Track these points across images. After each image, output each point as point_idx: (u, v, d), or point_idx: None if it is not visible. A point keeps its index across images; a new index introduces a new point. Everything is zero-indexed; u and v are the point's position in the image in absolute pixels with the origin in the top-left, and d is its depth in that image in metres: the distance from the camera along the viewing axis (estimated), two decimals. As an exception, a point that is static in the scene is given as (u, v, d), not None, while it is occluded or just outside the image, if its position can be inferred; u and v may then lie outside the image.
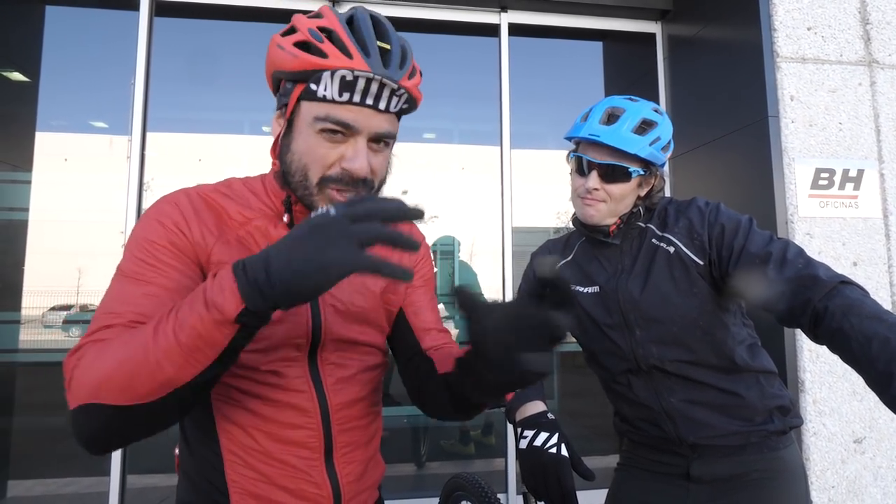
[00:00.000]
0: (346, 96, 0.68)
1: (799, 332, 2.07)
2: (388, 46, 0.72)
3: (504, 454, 2.77)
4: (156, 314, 0.60)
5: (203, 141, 3.17)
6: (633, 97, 1.14)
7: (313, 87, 0.69)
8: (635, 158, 1.09)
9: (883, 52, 2.32)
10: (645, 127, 1.09)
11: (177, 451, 0.87)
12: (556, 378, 3.41)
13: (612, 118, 1.10)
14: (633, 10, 2.93)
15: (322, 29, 0.70)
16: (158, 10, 2.76)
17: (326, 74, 0.68)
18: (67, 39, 2.97)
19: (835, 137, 2.24)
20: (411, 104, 0.77)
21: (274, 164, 0.78)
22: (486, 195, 2.94)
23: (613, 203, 1.12)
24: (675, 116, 2.87)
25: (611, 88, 3.33)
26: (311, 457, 0.76)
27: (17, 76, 2.99)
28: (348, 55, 0.68)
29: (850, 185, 2.22)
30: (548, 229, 3.21)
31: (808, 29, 2.27)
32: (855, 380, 2.10)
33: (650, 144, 1.09)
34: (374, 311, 0.84)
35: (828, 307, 0.87)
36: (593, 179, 1.10)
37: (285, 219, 0.79)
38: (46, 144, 2.90)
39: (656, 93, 2.97)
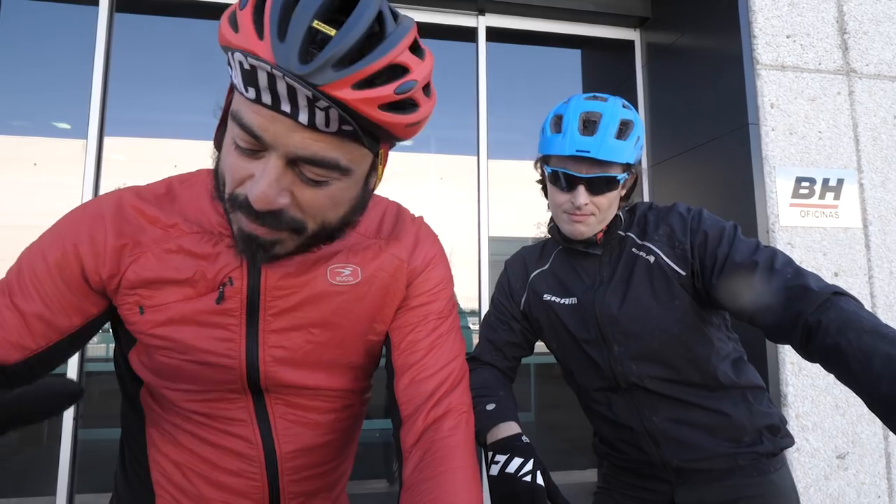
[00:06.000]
0: (251, 92, 0.49)
1: (781, 344, 2.02)
2: (330, 31, 0.50)
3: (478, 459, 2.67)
4: None
5: (176, 146, 3.03)
6: (598, 95, 1.05)
7: (229, 69, 0.52)
8: (621, 165, 1.01)
9: (860, 61, 2.31)
10: (624, 129, 1.00)
11: None
12: (533, 390, 3.33)
13: (588, 124, 1.00)
14: (611, 17, 2.91)
15: None
16: (119, 5, 2.64)
17: (230, 56, 0.50)
18: (27, 35, 2.82)
19: (815, 146, 2.21)
20: (367, 126, 0.52)
21: (217, 163, 0.62)
22: (462, 204, 2.87)
23: (602, 214, 1.04)
24: (654, 124, 2.84)
25: (590, 96, 3.30)
26: None
27: (-29, 73, 2.82)
28: (259, 33, 0.49)
29: (830, 195, 2.19)
30: (525, 238, 3.15)
31: (788, 37, 2.25)
32: (838, 394, 2.05)
33: (634, 146, 1.01)
34: (342, 348, 0.69)
35: (821, 321, 0.79)
36: (582, 195, 1.00)
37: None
38: (13, 147, 2.75)
39: (635, 100, 2.94)
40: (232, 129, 0.53)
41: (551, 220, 1.16)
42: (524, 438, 0.96)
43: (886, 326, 0.76)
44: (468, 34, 2.90)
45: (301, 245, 0.60)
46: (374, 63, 0.50)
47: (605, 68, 3.24)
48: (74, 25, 2.77)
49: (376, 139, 0.56)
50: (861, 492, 2.04)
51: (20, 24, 2.80)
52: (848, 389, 2.09)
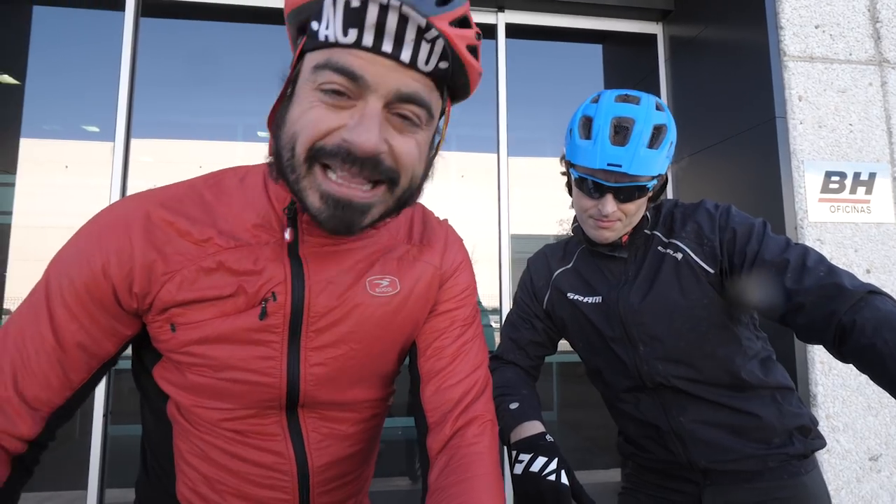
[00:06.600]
0: (352, 34, 0.49)
1: (813, 344, 1.97)
2: None
3: (501, 467, 2.66)
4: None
5: (201, 147, 3.09)
6: (629, 94, 1.00)
7: (314, 25, 0.52)
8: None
9: (893, 51, 2.23)
10: (657, 134, 0.96)
11: None
12: (555, 388, 3.30)
13: (620, 130, 0.94)
14: (633, 11, 2.86)
15: None
16: (145, 10, 2.69)
17: (328, 3, 0.50)
18: (56, 41, 2.90)
19: (845, 139, 2.15)
20: (455, 67, 0.55)
21: (270, 144, 0.59)
22: (483, 202, 2.87)
23: (629, 219, 1.01)
24: (678, 119, 2.77)
25: (611, 91, 3.26)
26: None
27: (5, 79, 2.91)
28: None
29: (861, 189, 2.12)
30: (545, 236, 3.13)
31: (816, 27, 2.19)
32: (870, 393, 2.00)
33: (666, 154, 0.97)
34: (380, 359, 0.68)
35: (856, 321, 0.77)
36: (610, 204, 0.97)
37: (287, 235, 0.59)
38: (36, 148, 2.83)
39: (658, 95, 2.87)
40: (315, 82, 0.52)
41: (575, 219, 1.14)
42: (548, 437, 0.96)
43: None
44: (487, 31, 2.88)
45: (389, 210, 0.58)
46: (461, 8, 0.54)
47: (627, 63, 3.19)
48: (101, 31, 2.84)
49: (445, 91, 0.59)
50: (895, 494, 1.98)
51: (50, 31, 2.88)
52: (881, 389, 2.02)
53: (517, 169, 2.84)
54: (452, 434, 0.66)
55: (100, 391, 2.38)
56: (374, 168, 0.53)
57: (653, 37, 2.96)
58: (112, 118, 2.61)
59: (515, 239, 2.77)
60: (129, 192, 2.60)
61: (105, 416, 2.38)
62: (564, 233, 3.08)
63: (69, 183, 2.85)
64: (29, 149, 2.82)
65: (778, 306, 0.89)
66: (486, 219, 2.81)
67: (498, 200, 2.77)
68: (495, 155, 2.81)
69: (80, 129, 2.96)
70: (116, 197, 2.53)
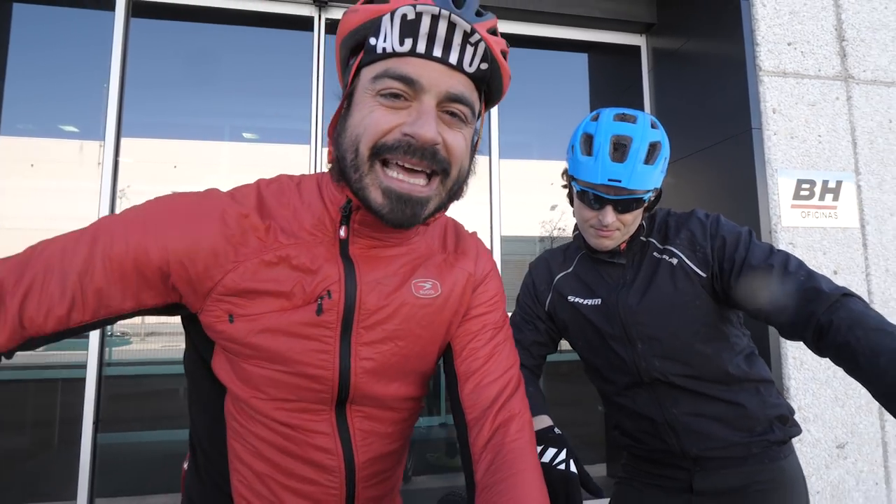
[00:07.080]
0: (408, 44, 0.57)
1: (784, 339, 2.11)
2: None
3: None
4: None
5: (180, 147, 3.07)
6: (626, 112, 1.08)
7: (372, 41, 0.59)
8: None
9: (858, 68, 2.39)
10: (653, 151, 1.03)
11: (185, 465, 0.80)
12: (541, 387, 3.39)
13: (619, 147, 1.02)
14: (618, 23, 2.96)
15: None
16: (135, 10, 2.68)
17: (386, 19, 0.58)
18: (37, 39, 2.85)
19: (815, 149, 2.30)
20: (493, 68, 0.63)
21: (329, 153, 0.66)
22: (474, 204, 2.93)
23: (627, 228, 1.10)
24: (660, 127, 2.90)
25: (596, 99, 3.37)
26: None
27: (-18, 78, 2.85)
28: None
29: (829, 196, 2.28)
30: (534, 238, 3.22)
31: (789, 44, 2.34)
32: (837, 386, 2.14)
33: (661, 169, 1.06)
34: (421, 358, 0.72)
35: (832, 320, 0.87)
36: (609, 215, 1.05)
37: (342, 232, 0.65)
38: (12, 149, 2.77)
39: (641, 104, 3.00)
40: (374, 90, 0.59)
41: (576, 227, 1.22)
42: (556, 430, 1.04)
43: (891, 325, 0.84)
44: (478, 39, 2.95)
45: (441, 203, 0.65)
46: (492, 20, 0.65)
47: (612, 72, 3.29)
48: (85, 31, 2.80)
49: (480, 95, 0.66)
50: (860, 479, 2.13)
51: (31, 30, 2.83)
52: (847, 382, 2.17)
53: (506, 171, 2.91)
54: (493, 431, 0.70)
55: (89, 399, 2.34)
56: (432, 157, 0.60)
57: (636, 48, 3.07)
58: (92, 118, 2.57)
59: (505, 241, 2.84)
60: (119, 193, 2.59)
61: (95, 423, 2.34)
62: (548, 233, 3.17)
63: (50, 185, 2.80)
64: (10, 149, 2.76)
65: (763, 307, 0.98)
66: (478, 220, 2.87)
67: (490, 203, 2.83)
68: (486, 158, 2.87)
69: (61, 129, 2.91)
70: (106, 198, 2.49)
